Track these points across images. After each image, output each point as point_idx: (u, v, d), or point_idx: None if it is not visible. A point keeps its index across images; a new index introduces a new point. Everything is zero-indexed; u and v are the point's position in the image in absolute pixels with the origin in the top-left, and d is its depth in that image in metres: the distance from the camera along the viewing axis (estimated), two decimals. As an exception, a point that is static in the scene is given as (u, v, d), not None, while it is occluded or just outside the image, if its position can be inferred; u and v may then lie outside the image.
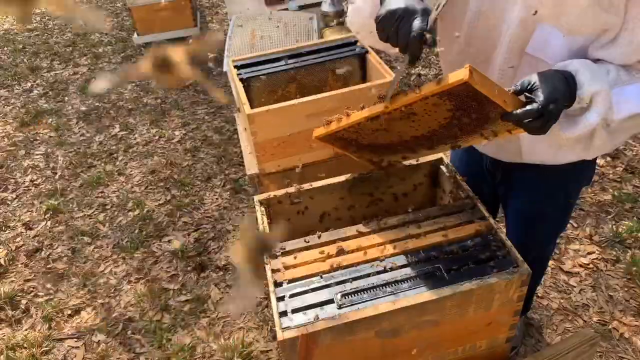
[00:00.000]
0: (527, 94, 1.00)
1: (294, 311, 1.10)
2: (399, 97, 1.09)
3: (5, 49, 5.11)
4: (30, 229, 2.94)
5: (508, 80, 1.19)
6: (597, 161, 2.93)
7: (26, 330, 2.36)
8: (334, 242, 1.26)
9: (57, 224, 2.95)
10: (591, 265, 2.37)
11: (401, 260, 1.18)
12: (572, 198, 1.55)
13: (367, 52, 2.00)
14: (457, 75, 0.95)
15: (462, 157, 1.63)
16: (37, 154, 3.57)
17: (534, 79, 1.00)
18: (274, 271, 1.19)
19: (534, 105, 0.97)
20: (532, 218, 1.54)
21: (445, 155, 1.48)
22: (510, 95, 1.00)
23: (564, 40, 1.08)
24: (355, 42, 2.07)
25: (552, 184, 1.43)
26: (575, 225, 2.58)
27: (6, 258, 2.74)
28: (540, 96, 0.97)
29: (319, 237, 1.27)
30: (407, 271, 1.16)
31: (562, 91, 0.99)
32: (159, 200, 3.05)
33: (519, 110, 0.98)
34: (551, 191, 1.46)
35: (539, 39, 1.11)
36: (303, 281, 1.17)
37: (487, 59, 1.22)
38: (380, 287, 1.13)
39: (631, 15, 1.01)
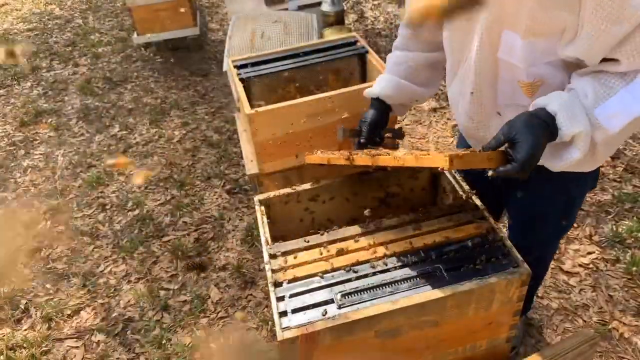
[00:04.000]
0: (508, 149, 1.05)
1: (294, 311, 1.10)
2: (378, 157, 1.22)
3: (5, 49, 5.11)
4: (30, 229, 2.94)
5: (486, 80, 1.24)
6: (597, 161, 2.94)
7: (26, 330, 2.36)
8: (334, 242, 1.26)
9: (57, 224, 2.95)
10: (591, 265, 2.37)
11: (401, 260, 1.18)
12: (575, 201, 1.54)
13: (367, 52, 2.00)
14: (437, 162, 1.01)
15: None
16: (37, 154, 3.57)
17: (515, 130, 1.04)
18: (274, 271, 1.19)
19: (514, 166, 1.03)
20: (534, 219, 1.54)
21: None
22: (491, 156, 1.06)
23: (526, 43, 1.10)
24: (355, 42, 2.07)
25: (553, 185, 1.43)
26: (575, 225, 2.57)
27: (6, 258, 2.74)
28: (519, 153, 1.02)
29: (319, 237, 1.27)
30: (407, 271, 1.16)
31: (542, 141, 1.04)
32: (159, 200, 3.05)
33: (500, 169, 1.05)
34: (553, 193, 1.46)
35: (506, 44, 1.15)
36: (303, 281, 1.17)
37: (465, 62, 1.29)
38: (380, 287, 1.13)
39: (586, 8, 0.99)
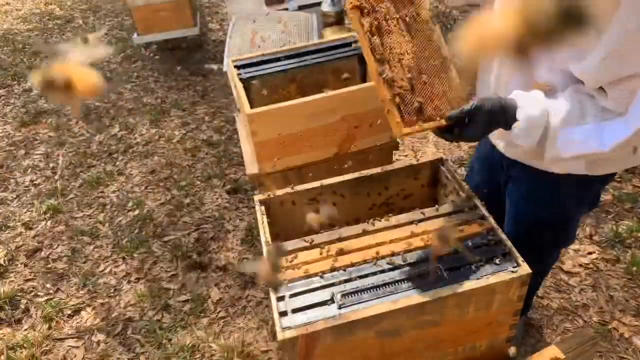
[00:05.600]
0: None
1: (294, 311, 1.10)
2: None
3: (5, 49, 5.11)
4: (30, 229, 2.94)
5: (503, 82, 1.28)
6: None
7: (26, 330, 2.36)
8: (334, 241, 1.26)
9: (57, 224, 2.95)
10: (591, 265, 2.37)
11: (401, 260, 1.18)
12: (570, 213, 1.52)
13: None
14: (393, 125, 1.15)
15: (481, 154, 1.68)
16: (37, 154, 3.57)
17: (479, 113, 1.12)
18: (274, 271, 1.19)
19: (454, 137, 1.17)
20: (530, 227, 1.52)
21: (446, 154, 1.48)
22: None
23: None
24: (356, 42, 2.07)
25: (550, 196, 1.43)
26: (575, 225, 2.58)
27: (6, 258, 2.74)
28: (467, 133, 1.15)
29: (319, 236, 1.27)
30: (407, 271, 1.16)
31: (489, 132, 1.19)
32: (159, 200, 3.05)
33: (440, 133, 1.18)
34: (545, 201, 1.45)
35: None
36: (303, 281, 1.17)
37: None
38: (380, 287, 1.13)
39: (611, 33, 0.98)
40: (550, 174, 1.35)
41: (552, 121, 1.11)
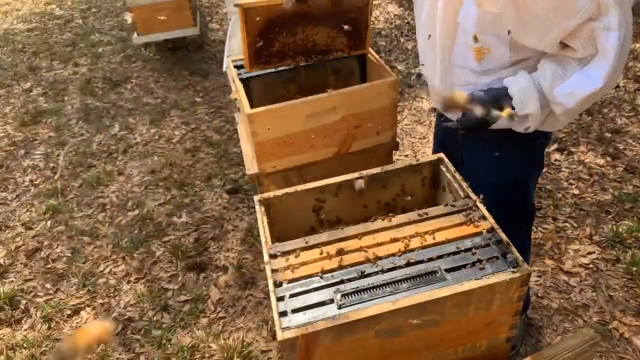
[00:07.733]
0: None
1: (294, 311, 1.10)
2: None
3: (5, 49, 5.11)
4: (30, 229, 2.94)
5: (447, 42, 1.45)
6: (597, 161, 2.94)
7: (26, 330, 2.36)
8: (334, 242, 1.25)
9: (56, 224, 2.95)
10: (591, 265, 2.37)
11: (401, 260, 1.18)
12: (524, 177, 1.60)
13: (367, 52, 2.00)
14: None
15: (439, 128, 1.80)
16: (37, 154, 3.57)
17: (474, 102, 1.34)
18: (274, 271, 1.19)
19: (456, 124, 1.47)
20: (487, 195, 1.49)
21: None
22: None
23: (479, 12, 1.31)
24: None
25: (499, 158, 1.51)
26: (575, 225, 2.58)
27: (6, 258, 2.74)
28: (464, 121, 1.42)
29: (319, 237, 1.27)
30: (407, 271, 1.16)
31: (484, 124, 1.39)
32: (159, 200, 3.05)
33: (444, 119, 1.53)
34: (499, 166, 1.52)
35: (464, 11, 1.36)
36: (303, 281, 1.16)
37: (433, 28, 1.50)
38: (380, 287, 1.13)
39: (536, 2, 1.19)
40: (498, 139, 1.47)
41: (543, 85, 1.31)
